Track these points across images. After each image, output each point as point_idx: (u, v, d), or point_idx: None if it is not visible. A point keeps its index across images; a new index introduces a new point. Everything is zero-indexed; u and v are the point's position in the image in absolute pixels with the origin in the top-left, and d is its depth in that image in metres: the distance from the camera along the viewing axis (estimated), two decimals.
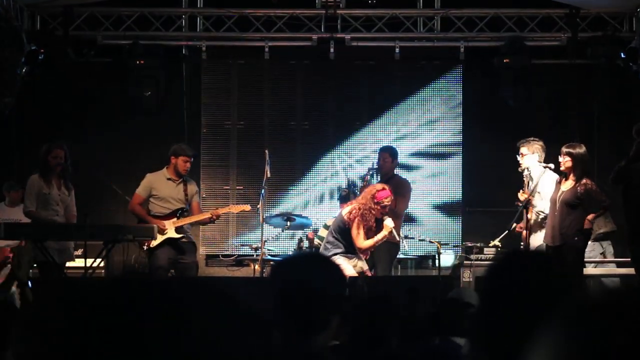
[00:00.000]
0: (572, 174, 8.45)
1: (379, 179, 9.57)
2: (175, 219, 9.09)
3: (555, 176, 8.73)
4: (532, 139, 9.11)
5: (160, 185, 9.14)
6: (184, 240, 9.15)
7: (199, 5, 11.63)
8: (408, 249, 10.61)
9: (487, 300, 1.87)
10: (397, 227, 9.57)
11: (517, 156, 9.04)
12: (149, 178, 9.23)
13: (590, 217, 8.44)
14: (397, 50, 11.52)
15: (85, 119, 11.31)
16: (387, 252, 9.19)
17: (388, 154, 9.70)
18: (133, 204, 9.22)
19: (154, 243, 9.01)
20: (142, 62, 11.07)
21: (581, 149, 8.51)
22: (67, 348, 1.00)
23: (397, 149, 10.10)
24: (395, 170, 9.81)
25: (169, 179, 9.17)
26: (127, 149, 11.43)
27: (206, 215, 9.30)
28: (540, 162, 8.96)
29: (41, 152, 8.81)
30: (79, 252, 9.49)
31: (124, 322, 1.02)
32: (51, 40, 10.87)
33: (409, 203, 9.82)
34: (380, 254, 9.04)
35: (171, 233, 9.03)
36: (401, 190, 9.53)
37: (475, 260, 9.30)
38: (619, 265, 10.14)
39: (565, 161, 8.45)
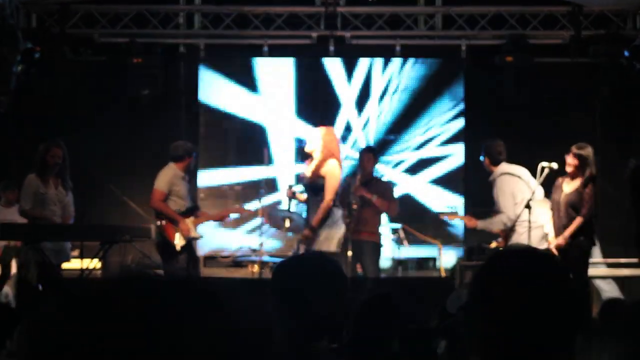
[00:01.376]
0: (579, 175, 8.27)
1: (357, 180, 9.22)
2: (193, 218, 8.97)
3: (512, 180, 8.57)
4: (490, 139, 8.92)
5: (179, 182, 8.94)
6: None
7: (196, 3, 11.52)
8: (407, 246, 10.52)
9: (473, 302, 1.83)
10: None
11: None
12: (169, 173, 8.92)
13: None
14: (397, 48, 11.42)
15: (82, 118, 11.17)
16: (373, 252, 9.08)
17: (372, 155, 9.51)
18: (157, 200, 8.87)
19: (181, 244, 8.88)
20: (139, 60, 10.97)
21: (591, 151, 8.34)
22: (69, 349, 1.00)
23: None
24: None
25: (182, 176, 9.04)
26: (125, 148, 11.30)
27: (224, 214, 9.34)
28: (489, 164, 8.76)
29: (39, 151, 8.68)
30: (76, 252, 9.37)
31: (122, 323, 1.02)
32: (47, 38, 10.78)
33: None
34: (366, 255, 8.94)
35: (194, 233, 8.93)
36: (390, 192, 9.39)
37: (478, 261, 9.18)
38: (609, 266, 9.99)
39: (573, 162, 8.27)
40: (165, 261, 8.97)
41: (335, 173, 8.67)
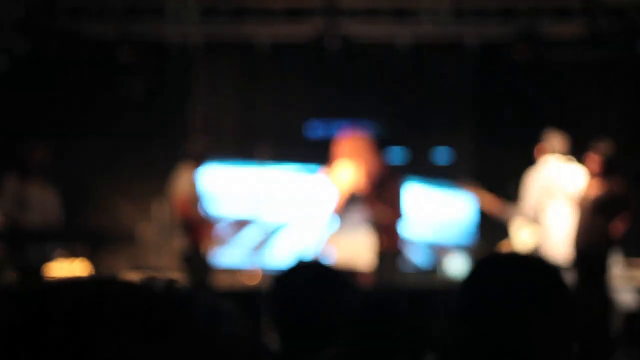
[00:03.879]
0: (600, 176, 7.95)
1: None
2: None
3: (536, 175, 8.45)
4: (555, 129, 8.91)
5: (196, 186, 8.59)
6: None
7: None
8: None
9: (462, 312, 1.79)
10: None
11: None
12: (188, 177, 8.50)
13: None
14: (402, 42, 11.04)
15: (70, 116, 10.87)
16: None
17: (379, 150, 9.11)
18: (188, 207, 8.42)
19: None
20: (130, 55, 10.67)
21: (610, 146, 8.12)
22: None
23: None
24: None
25: (196, 179, 8.66)
26: (114, 148, 10.98)
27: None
28: (538, 153, 8.75)
29: (21, 151, 8.48)
30: (63, 256, 9.09)
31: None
32: (33, 33, 10.51)
33: None
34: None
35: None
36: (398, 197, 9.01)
37: None
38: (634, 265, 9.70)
39: (598, 162, 7.94)
40: (194, 271, 8.46)
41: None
